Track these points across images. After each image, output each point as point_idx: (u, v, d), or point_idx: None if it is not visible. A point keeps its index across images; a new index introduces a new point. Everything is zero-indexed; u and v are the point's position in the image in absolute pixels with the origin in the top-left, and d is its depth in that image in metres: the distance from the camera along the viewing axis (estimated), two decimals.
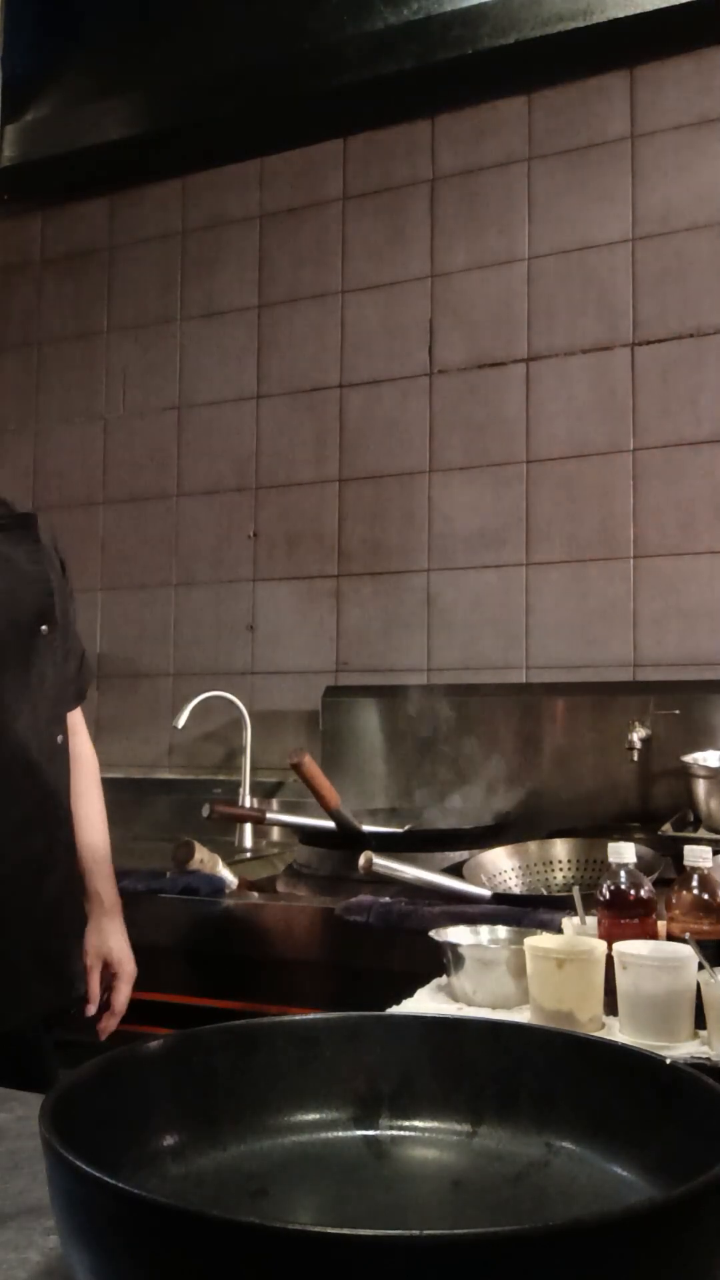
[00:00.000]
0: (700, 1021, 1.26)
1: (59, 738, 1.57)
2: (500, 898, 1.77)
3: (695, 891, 1.40)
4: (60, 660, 1.60)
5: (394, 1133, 0.70)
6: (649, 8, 2.36)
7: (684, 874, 1.42)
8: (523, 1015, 1.36)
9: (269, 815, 2.32)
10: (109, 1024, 1.62)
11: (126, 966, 1.63)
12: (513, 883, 1.92)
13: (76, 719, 1.72)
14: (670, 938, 1.38)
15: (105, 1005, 1.62)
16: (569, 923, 1.48)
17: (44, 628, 1.53)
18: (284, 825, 2.41)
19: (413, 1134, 0.70)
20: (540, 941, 1.35)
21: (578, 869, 1.94)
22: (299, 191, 2.86)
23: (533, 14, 2.46)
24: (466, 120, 2.68)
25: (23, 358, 3.13)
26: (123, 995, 1.62)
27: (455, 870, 1.87)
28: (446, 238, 2.68)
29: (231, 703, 2.67)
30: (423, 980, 1.50)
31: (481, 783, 2.24)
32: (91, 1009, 1.61)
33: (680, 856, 1.45)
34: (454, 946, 1.44)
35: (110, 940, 1.63)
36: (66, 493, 3.03)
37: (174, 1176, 0.64)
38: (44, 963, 1.50)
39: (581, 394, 2.52)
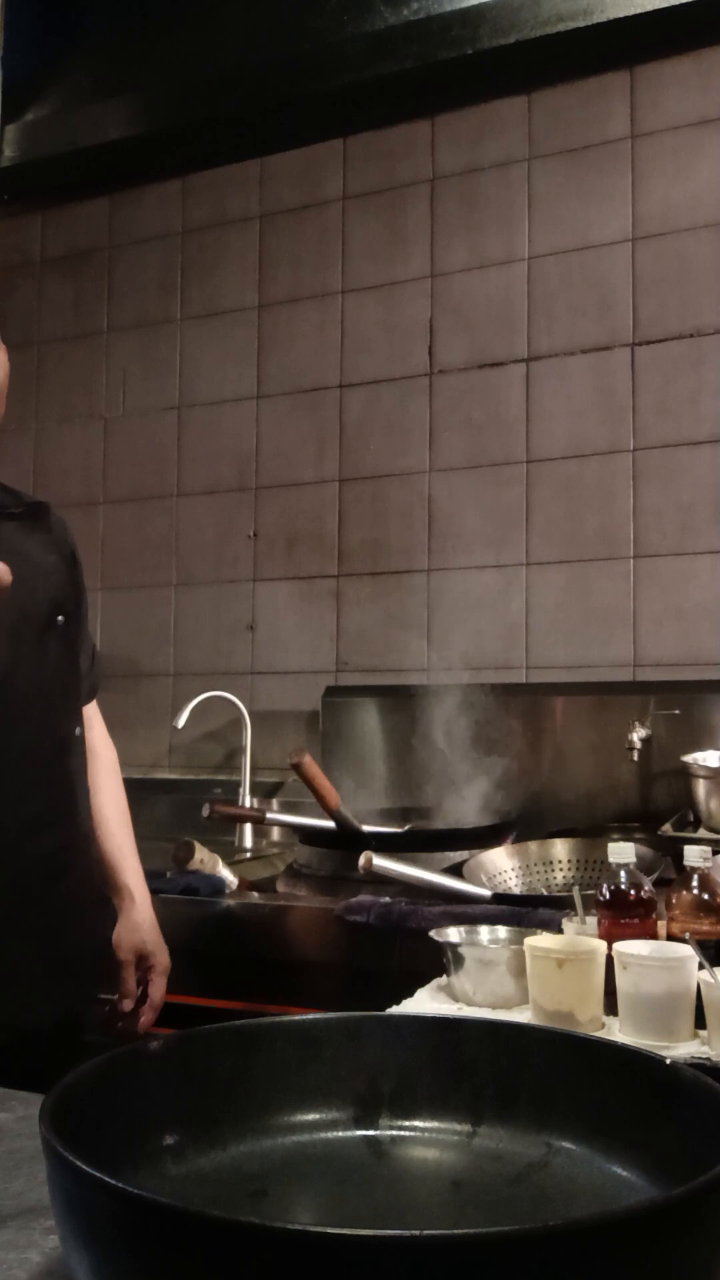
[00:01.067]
0: (700, 1021, 1.26)
1: (76, 730, 1.55)
2: (500, 898, 1.77)
3: (695, 891, 1.40)
4: (75, 652, 1.58)
5: (394, 1133, 0.70)
6: (649, 8, 2.36)
7: (684, 874, 1.42)
8: (523, 1015, 1.36)
9: (269, 815, 2.32)
10: (148, 1018, 1.59)
11: (161, 959, 1.61)
12: (513, 883, 1.92)
13: (91, 713, 1.70)
14: (670, 938, 1.39)
15: (141, 999, 1.60)
16: (569, 923, 1.48)
17: (59, 619, 1.50)
18: (284, 825, 2.41)
19: (413, 1134, 0.70)
20: (540, 941, 1.35)
21: (578, 869, 1.94)
22: (299, 191, 2.86)
23: (533, 14, 2.46)
24: (466, 120, 2.68)
25: (23, 358, 3.12)
26: (159, 988, 1.60)
27: (455, 870, 1.87)
28: (446, 238, 2.68)
29: (231, 703, 2.67)
30: (423, 980, 1.50)
31: (481, 783, 2.24)
32: (129, 1004, 1.58)
33: (680, 856, 1.45)
34: (454, 946, 1.44)
35: (143, 934, 1.61)
36: (66, 493, 3.03)
37: (174, 1176, 0.64)
38: (61, 963, 1.47)
39: (581, 394, 2.52)
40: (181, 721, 2.56)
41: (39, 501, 1.59)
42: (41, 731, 1.47)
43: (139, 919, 1.62)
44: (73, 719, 1.56)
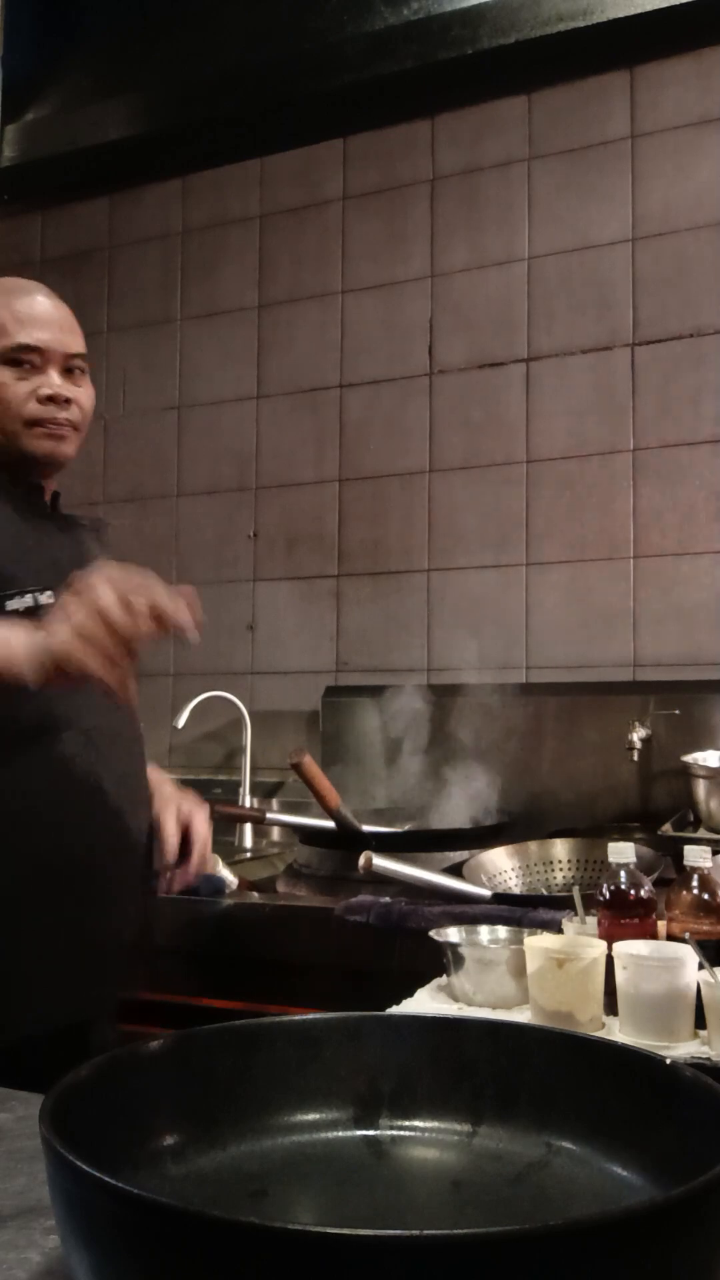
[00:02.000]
0: (700, 1021, 1.26)
1: (140, 725, 1.63)
2: (500, 898, 1.77)
3: (695, 891, 1.40)
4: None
5: (394, 1133, 0.70)
6: (649, 8, 2.36)
7: (684, 874, 1.42)
8: (523, 1015, 1.36)
9: (269, 815, 2.32)
10: (198, 857, 1.59)
11: (198, 808, 1.62)
12: (513, 883, 1.92)
13: None
14: (670, 938, 1.38)
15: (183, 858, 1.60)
16: (569, 923, 1.48)
17: None
18: (284, 825, 2.40)
19: (413, 1134, 0.70)
20: (540, 941, 1.35)
21: (578, 869, 1.94)
22: (299, 191, 2.86)
23: (533, 14, 2.46)
24: (466, 120, 2.68)
25: None
26: (201, 824, 1.60)
27: (455, 870, 1.87)
28: (446, 238, 2.68)
29: (231, 703, 2.67)
30: (423, 980, 1.50)
31: (481, 783, 2.24)
32: (172, 850, 1.57)
33: (680, 856, 1.45)
34: (454, 946, 1.44)
35: (176, 800, 1.62)
36: (67, 493, 3.02)
37: (174, 1176, 0.64)
38: (81, 964, 1.46)
39: (581, 394, 2.52)
40: (181, 721, 2.56)
41: (99, 517, 1.70)
42: (137, 722, 1.57)
43: (167, 792, 1.64)
44: (139, 715, 1.62)
